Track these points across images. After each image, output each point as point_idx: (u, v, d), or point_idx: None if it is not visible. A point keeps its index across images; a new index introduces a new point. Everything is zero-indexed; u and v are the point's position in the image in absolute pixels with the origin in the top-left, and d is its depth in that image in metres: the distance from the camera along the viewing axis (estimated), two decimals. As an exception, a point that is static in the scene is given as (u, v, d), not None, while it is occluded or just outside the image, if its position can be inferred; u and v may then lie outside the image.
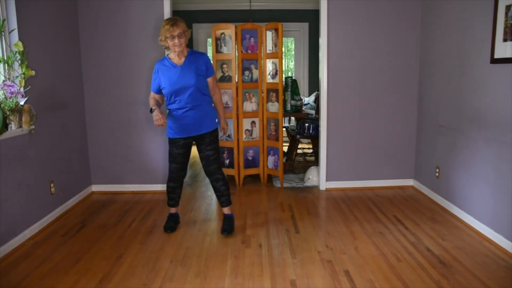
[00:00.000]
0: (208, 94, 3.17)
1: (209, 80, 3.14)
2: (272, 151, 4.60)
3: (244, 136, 4.56)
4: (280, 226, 3.38)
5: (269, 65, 4.51)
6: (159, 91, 3.12)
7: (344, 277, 2.53)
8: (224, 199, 3.28)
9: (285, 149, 6.11)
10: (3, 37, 3.05)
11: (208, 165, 3.19)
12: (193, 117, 3.07)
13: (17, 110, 3.03)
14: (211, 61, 3.10)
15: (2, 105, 2.90)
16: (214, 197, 4.24)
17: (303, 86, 7.41)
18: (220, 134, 3.35)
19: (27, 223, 3.20)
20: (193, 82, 3.00)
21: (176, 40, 2.92)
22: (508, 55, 2.79)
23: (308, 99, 5.90)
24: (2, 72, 3.07)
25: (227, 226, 3.23)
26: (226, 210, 3.31)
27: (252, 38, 4.43)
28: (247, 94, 4.51)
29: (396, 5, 4.16)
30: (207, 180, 4.89)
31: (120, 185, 4.40)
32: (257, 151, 4.64)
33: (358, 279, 2.51)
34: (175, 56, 3.05)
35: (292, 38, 7.49)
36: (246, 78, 4.49)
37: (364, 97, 4.28)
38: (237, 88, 4.46)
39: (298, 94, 5.20)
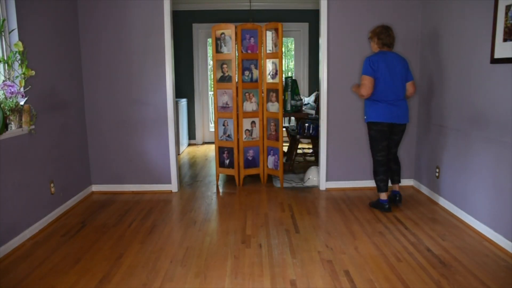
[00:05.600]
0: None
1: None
2: (272, 151, 4.60)
3: (244, 136, 4.56)
4: (280, 226, 3.38)
5: (269, 65, 4.51)
6: None
7: (344, 277, 2.53)
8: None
9: (285, 149, 6.11)
10: (3, 37, 3.05)
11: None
12: None
13: (17, 110, 3.03)
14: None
15: (2, 105, 2.91)
16: (214, 197, 4.25)
17: (303, 86, 7.41)
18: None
19: (27, 223, 3.20)
20: None
21: None
22: (508, 55, 2.79)
23: (308, 99, 5.89)
24: (2, 72, 3.07)
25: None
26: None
27: (252, 38, 4.43)
28: (247, 94, 4.51)
29: (396, 5, 4.16)
30: (207, 180, 4.89)
31: (120, 185, 4.40)
32: (257, 151, 4.64)
33: (358, 279, 2.51)
34: None
35: (292, 38, 7.48)
36: (246, 78, 4.49)
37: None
38: (237, 88, 4.46)
39: (298, 94, 5.20)
